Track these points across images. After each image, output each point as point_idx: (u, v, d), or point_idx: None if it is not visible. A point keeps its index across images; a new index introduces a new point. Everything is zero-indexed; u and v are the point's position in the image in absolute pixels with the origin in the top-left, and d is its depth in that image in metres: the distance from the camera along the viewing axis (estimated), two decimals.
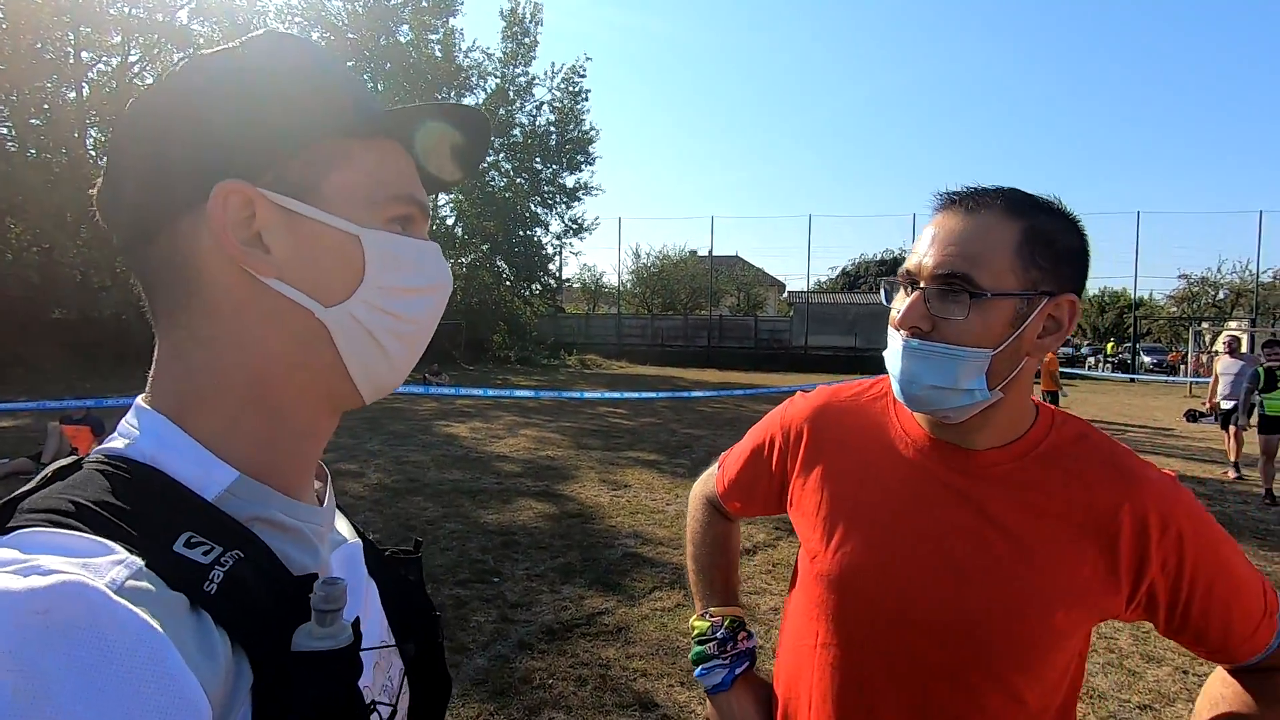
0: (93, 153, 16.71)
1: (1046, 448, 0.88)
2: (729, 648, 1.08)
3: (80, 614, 0.34)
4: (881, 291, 0.94)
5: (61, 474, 0.46)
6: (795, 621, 1.00)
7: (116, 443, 0.48)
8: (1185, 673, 3.45)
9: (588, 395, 12.92)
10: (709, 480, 1.21)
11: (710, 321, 31.97)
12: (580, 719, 2.89)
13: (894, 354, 0.86)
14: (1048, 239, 0.83)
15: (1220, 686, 0.91)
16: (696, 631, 1.12)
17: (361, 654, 0.49)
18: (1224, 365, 9.00)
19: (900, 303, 0.87)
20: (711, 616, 1.12)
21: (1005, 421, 0.88)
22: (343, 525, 0.62)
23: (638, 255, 39.26)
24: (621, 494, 6.62)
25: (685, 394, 13.97)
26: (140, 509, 0.43)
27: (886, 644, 0.88)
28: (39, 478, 0.46)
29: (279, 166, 0.49)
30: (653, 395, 13.38)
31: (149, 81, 16.75)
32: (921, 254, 0.85)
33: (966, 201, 0.85)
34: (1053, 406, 0.96)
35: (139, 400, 0.51)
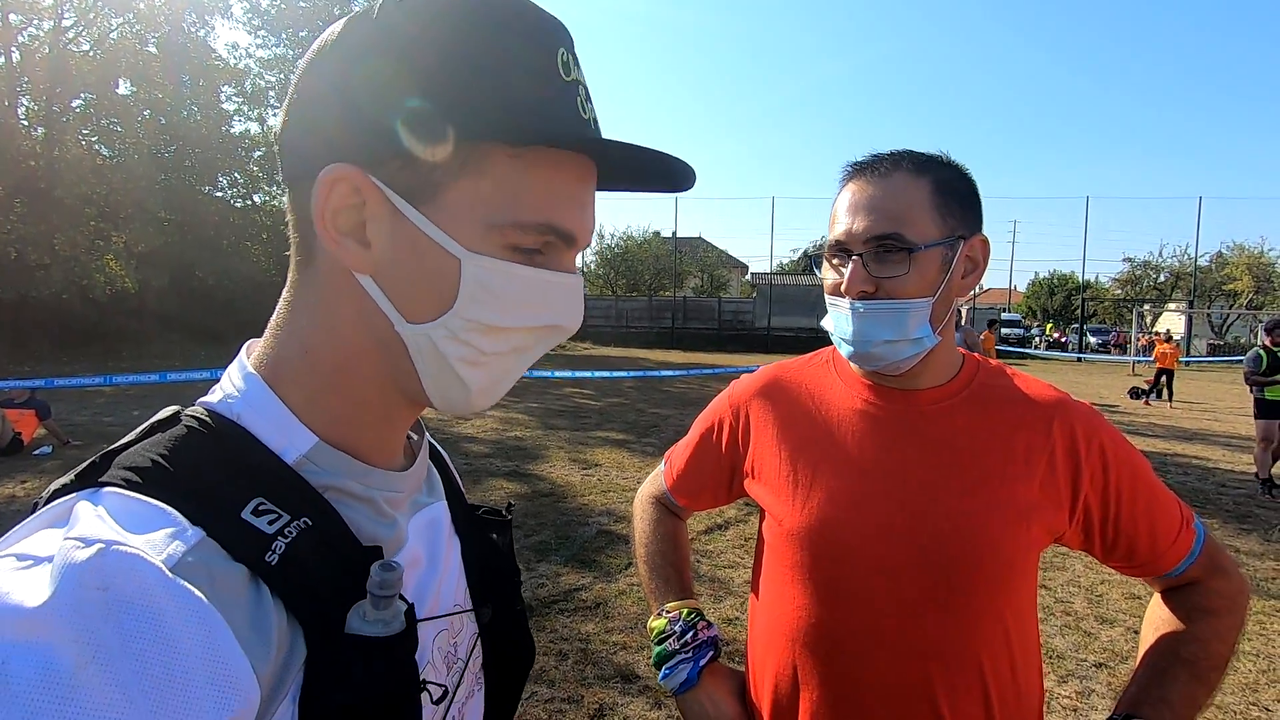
0: (25, 123, 15.76)
1: (979, 383, 0.96)
2: (690, 639, 1.03)
3: (138, 592, 0.35)
4: (813, 265, 0.99)
5: (161, 426, 0.47)
6: (769, 592, 1.00)
7: (214, 396, 0.49)
8: (1135, 632, 3.64)
9: (557, 375, 12.85)
10: (655, 480, 1.22)
11: (674, 303, 32.06)
12: (563, 692, 2.92)
13: (842, 319, 0.92)
14: (952, 188, 0.90)
15: (1158, 610, 0.98)
16: (655, 632, 1.06)
17: (431, 621, 0.49)
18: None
19: (830, 273, 0.94)
20: (668, 613, 1.07)
21: (942, 362, 0.95)
22: (437, 481, 0.61)
23: (601, 236, 39.05)
24: (592, 473, 6.63)
25: (652, 374, 14.01)
26: (217, 470, 0.44)
27: (868, 589, 0.89)
28: (139, 429, 0.47)
29: (405, 158, 0.44)
30: (621, 374, 13.39)
31: (85, 48, 16.16)
32: (848, 223, 0.90)
33: (876, 168, 0.91)
34: (972, 351, 1.04)
35: (243, 355, 0.51)
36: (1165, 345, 14.75)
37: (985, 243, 0.94)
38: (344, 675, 0.41)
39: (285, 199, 0.50)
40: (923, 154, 0.93)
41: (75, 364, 13.85)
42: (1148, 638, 0.97)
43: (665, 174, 0.50)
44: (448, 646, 0.56)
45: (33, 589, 0.35)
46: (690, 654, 1.03)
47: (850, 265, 0.89)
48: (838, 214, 0.93)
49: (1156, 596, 1.01)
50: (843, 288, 0.90)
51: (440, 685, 0.51)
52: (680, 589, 1.12)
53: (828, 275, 0.95)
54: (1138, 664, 0.96)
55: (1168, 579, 0.96)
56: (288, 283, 0.50)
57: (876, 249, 0.88)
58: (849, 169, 0.94)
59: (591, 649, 3.27)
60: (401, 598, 0.45)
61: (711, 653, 1.04)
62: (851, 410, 0.97)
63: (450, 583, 0.57)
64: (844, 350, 0.95)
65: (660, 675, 1.05)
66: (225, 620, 0.37)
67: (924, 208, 0.88)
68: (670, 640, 1.04)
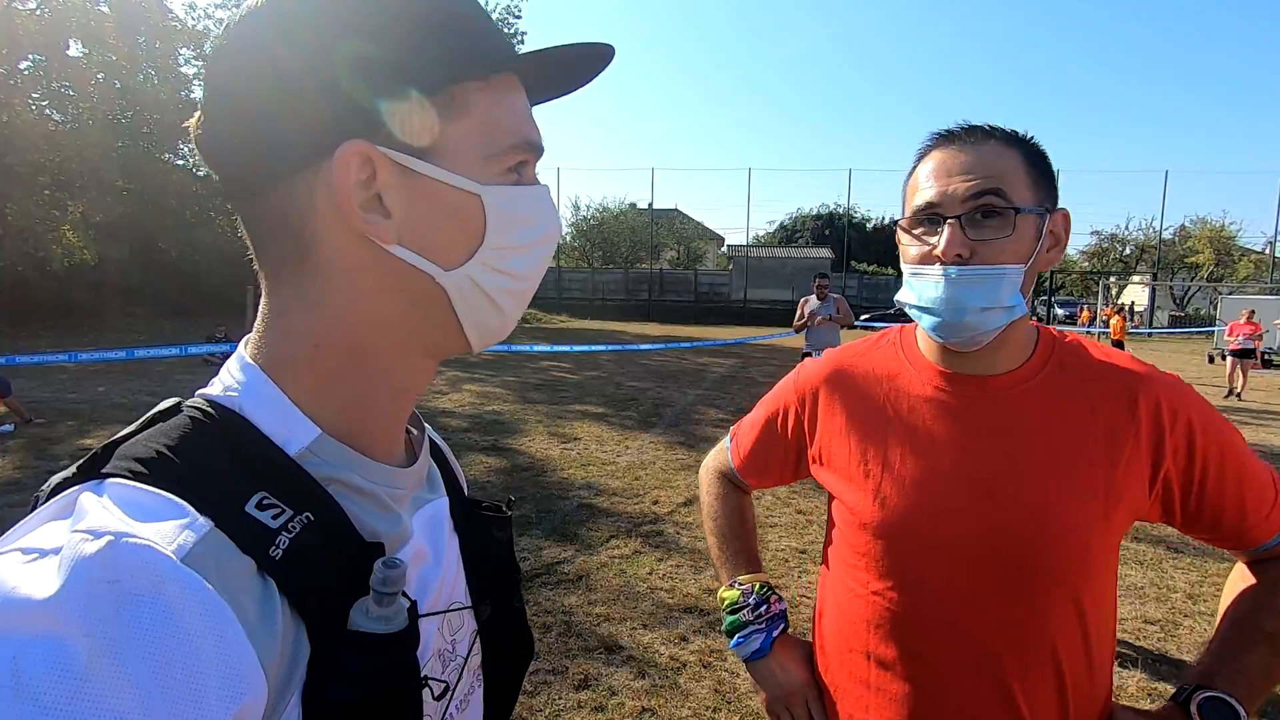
0: None
1: (1056, 362, 0.93)
2: (763, 612, 1.08)
3: (148, 583, 0.35)
4: (899, 234, 0.95)
5: (162, 416, 0.46)
6: (840, 573, 1.01)
7: (214, 388, 0.48)
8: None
9: (534, 349, 12.78)
10: (720, 454, 1.23)
11: (651, 275, 32.02)
12: (548, 664, 2.95)
13: (930, 287, 0.88)
14: (1040, 162, 0.90)
15: (1240, 581, 0.96)
16: (726, 603, 1.11)
17: (430, 617, 0.49)
18: (811, 305, 8.42)
19: (912, 244, 0.91)
20: (740, 585, 1.11)
21: (1018, 341, 0.93)
22: (438, 477, 0.61)
23: (577, 208, 38.68)
24: (571, 446, 6.64)
25: (629, 347, 14.01)
26: (221, 462, 0.43)
27: (939, 576, 0.89)
28: (140, 421, 0.46)
29: (398, 120, 0.45)
30: (599, 348, 13.36)
31: (31, 6, 15.30)
32: (941, 186, 0.87)
33: (968, 136, 0.90)
34: (1042, 323, 1.02)
35: (240, 349, 0.50)
36: (1116, 318, 15.14)
37: (1067, 217, 0.92)
38: (347, 672, 0.41)
39: (248, 206, 0.47)
40: (1009, 129, 0.91)
41: (33, 339, 13.40)
42: (1227, 608, 0.95)
43: (586, 65, 0.53)
44: (445, 644, 0.56)
45: (41, 582, 0.34)
46: (764, 625, 1.08)
47: (946, 229, 0.86)
48: (922, 181, 0.90)
49: (1240, 565, 0.98)
50: (939, 250, 0.86)
51: (441, 681, 0.51)
52: (749, 562, 1.16)
53: (910, 246, 0.91)
54: (1214, 633, 0.94)
55: (1257, 553, 0.94)
56: (272, 286, 0.49)
57: (975, 210, 0.85)
58: (933, 137, 0.92)
59: (575, 621, 3.31)
60: (405, 595, 0.45)
61: (783, 625, 1.09)
62: (922, 398, 0.95)
63: (451, 577, 0.57)
64: (926, 322, 0.91)
65: (732, 643, 1.09)
66: (235, 613, 0.37)
67: (1020, 174, 0.87)
68: (744, 611, 1.09)
